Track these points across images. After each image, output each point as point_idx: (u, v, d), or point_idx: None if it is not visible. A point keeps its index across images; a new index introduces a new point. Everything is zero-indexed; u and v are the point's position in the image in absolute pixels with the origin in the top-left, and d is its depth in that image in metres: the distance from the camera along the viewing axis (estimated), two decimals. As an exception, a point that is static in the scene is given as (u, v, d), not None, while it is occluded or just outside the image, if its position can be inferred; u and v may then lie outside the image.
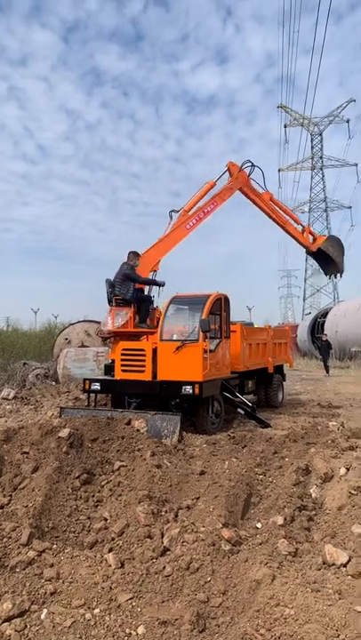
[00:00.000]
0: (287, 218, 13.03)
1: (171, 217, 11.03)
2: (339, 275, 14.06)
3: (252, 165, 11.78)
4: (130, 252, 10.02)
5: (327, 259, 13.65)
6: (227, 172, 11.63)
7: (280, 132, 63.07)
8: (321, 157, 61.90)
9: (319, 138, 61.62)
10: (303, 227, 13.65)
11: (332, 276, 14.48)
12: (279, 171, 63.81)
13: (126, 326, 9.62)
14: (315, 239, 13.65)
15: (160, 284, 10.23)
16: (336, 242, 13.94)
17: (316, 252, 13.49)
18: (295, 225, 13.29)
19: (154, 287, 10.29)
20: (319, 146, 61.72)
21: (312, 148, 62.02)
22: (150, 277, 10.24)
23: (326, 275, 14.57)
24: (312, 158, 62.02)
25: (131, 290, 9.66)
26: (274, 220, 12.57)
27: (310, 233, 13.78)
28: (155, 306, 10.24)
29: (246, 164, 11.73)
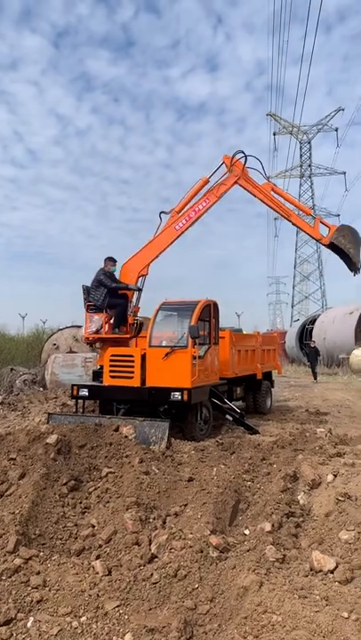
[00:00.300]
0: (292, 209, 11.87)
1: (161, 219, 10.59)
2: (357, 270, 11.59)
3: (245, 155, 10.77)
4: (105, 258, 10.06)
5: (343, 252, 11.50)
6: (223, 167, 10.95)
7: (269, 139, 63.38)
8: (310, 165, 62.49)
9: (308, 146, 62.25)
10: (314, 217, 12.15)
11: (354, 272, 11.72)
12: (268, 178, 64.19)
13: (100, 332, 9.71)
14: (329, 230, 11.67)
15: (134, 289, 10.08)
16: (349, 231, 11.52)
17: (329, 245, 11.56)
18: (303, 216, 12.23)
19: (140, 293, 10.28)
20: (308, 154, 62.34)
21: (301, 156, 62.62)
22: (138, 283, 10.18)
23: (351, 271, 11.75)
24: (301, 166, 62.57)
25: (102, 296, 9.70)
26: (277, 211, 11.72)
27: (323, 223, 11.88)
28: (129, 312, 10.04)
29: (239, 154, 10.76)
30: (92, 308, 9.79)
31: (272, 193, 11.55)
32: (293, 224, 11.90)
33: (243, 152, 10.82)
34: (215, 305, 9.81)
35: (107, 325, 9.78)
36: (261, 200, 11.51)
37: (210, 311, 9.58)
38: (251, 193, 11.43)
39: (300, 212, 12.43)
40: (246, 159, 10.88)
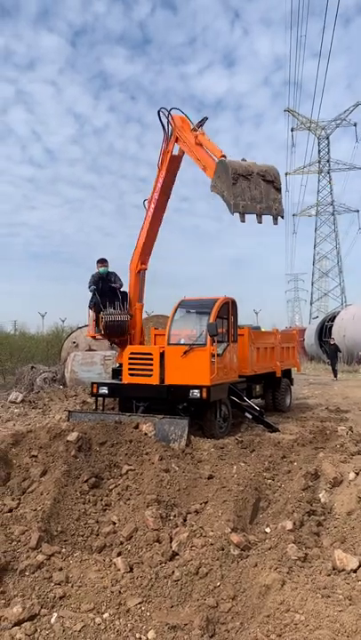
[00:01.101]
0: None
1: (145, 206, 10.27)
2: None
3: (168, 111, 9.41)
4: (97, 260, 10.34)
5: None
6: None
7: (287, 135, 62.70)
8: (328, 161, 61.84)
9: (326, 141, 61.59)
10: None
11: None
12: (286, 174, 63.78)
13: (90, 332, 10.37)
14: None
15: (92, 291, 10.15)
16: (223, 170, 8.20)
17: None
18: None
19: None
20: (326, 149, 61.70)
21: (319, 151, 62.00)
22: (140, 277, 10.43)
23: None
24: (319, 162, 61.96)
25: (91, 297, 10.13)
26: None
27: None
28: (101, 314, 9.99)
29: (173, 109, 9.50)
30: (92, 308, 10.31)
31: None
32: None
33: (178, 109, 9.55)
34: (234, 302, 9.77)
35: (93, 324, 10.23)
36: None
37: (228, 309, 9.54)
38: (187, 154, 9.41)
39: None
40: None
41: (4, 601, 3.63)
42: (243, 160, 8.37)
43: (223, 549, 4.17)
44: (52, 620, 3.06)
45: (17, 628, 2.97)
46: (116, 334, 10.08)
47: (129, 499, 5.48)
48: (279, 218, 8.36)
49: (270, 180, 8.21)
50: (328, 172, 62.00)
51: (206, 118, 9.06)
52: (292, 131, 62.16)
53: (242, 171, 8.01)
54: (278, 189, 8.21)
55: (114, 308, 9.85)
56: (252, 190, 7.67)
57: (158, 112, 9.59)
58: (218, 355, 8.78)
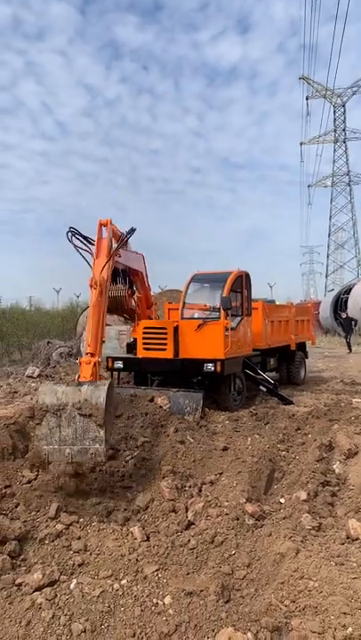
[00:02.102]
0: None
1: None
2: None
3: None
4: None
5: None
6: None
7: (302, 104, 61.34)
8: (344, 130, 60.39)
9: (342, 109, 60.01)
10: None
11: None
12: (301, 144, 62.57)
13: None
14: None
15: None
16: None
17: None
18: None
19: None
20: (342, 118, 60.17)
21: (335, 120, 60.51)
22: None
23: None
24: (335, 131, 60.54)
25: None
26: None
27: None
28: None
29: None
30: None
31: None
32: None
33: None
34: (247, 276, 9.70)
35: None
36: None
37: (242, 282, 9.48)
38: None
39: None
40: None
41: (24, 568, 3.74)
42: None
43: (238, 519, 4.24)
44: (72, 586, 3.15)
45: (37, 593, 3.06)
46: (114, 309, 9.93)
47: (145, 470, 5.57)
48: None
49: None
50: (344, 142, 60.62)
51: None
52: (307, 99, 60.71)
53: None
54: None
55: (115, 284, 9.64)
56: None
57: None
58: (232, 328, 8.76)
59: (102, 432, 4.64)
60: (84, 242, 6.49)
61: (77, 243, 6.44)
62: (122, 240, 6.77)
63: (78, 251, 6.40)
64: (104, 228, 6.54)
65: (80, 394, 4.76)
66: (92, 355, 5.60)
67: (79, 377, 5.35)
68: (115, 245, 6.61)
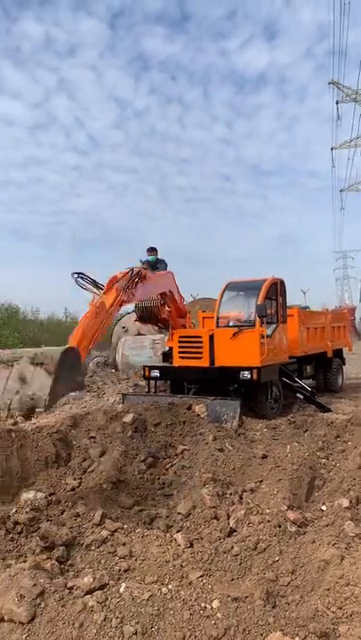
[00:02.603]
0: None
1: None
2: None
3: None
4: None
5: None
6: None
7: (332, 108, 60.70)
8: (376, 133, 59.37)
9: (374, 112, 59.11)
10: None
11: None
12: (332, 149, 61.91)
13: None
14: None
15: None
16: None
17: None
18: None
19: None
20: (374, 120, 59.22)
21: (366, 123, 59.60)
22: None
23: None
24: (366, 134, 59.59)
25: None
26: None
27: None
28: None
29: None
30: None
31: None
32: None
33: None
34: (282, 282, 9.70)
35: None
36: None
37: (277, 289, 9.48)
38: None
39: None
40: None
41: (72, 573, 3.85)
42: None
43: (280, 526, 4.26)
44: (121, 590, 3.24)
45: (89, 596, 3.16)
46: (147, 319, 10.04)
47: (185, 477, 5.65)
48: None
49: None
50: (376, 145, 59.60)
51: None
52: (336, 103, 59.86)
53: None
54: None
55: None
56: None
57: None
58: (267, 336, 8.78)
59: (50, 380, 4.49)
60: (91, 285, 6.61)
61: (83, 283, 6.59)
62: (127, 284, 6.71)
63: (84, 287, 6.57)
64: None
65: (36, 350, 4.78)
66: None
67: None
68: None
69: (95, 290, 6.55)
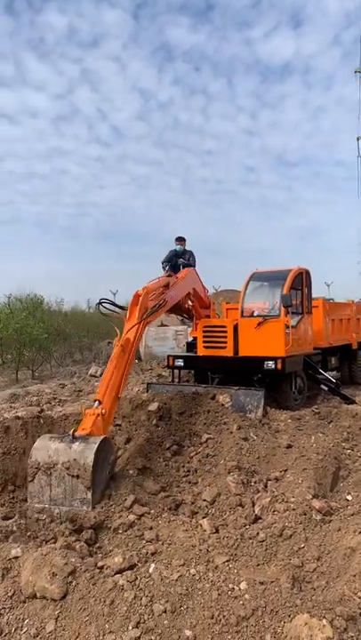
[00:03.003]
0: None
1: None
2: None
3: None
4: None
5: None
6: None
7: (359, 97, 59.56)
8: None
9: None
10: None
11: None
12: (358, 139, 60.77)
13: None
14: None
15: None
16: None
17: None
18: None
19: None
20: None
21: (393, 111, 58.44)
22: None
23: None
24: (393, 123, 58.43)
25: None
26: None
27: None
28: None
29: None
30: None
31: None
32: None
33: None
34: (308, 273, 9.65)
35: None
36: None
37: (302, 280, 9.44)
38: None
39: None
40: None
41: (100, 555, 3.94)
42: None
43: (305, 514, 4.28)
44: (150, 570, 3.31)
45: (119, 575, 3.24)
46: (171, 309, 10.04)
47: (210, 465, 5.70)
48: None
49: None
50: None
51: None
52: (363, 91, 58.93)
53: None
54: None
55: None
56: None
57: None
58: (292, 326, 8.76)
59: (89, 494, 4.54)
60: (115, 309, 6.81)
61: (106, 311, 6.76)
62: (151, 312, 6.63)
63: (108, 314, 6.77)
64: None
65: (70, 452, 4.65)
66: (100, 403, 5.34)
67: (77, 429, 5.12)
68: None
69: (120, 312, 6.72)
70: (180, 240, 10.24)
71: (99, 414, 5.15)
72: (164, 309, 7.35)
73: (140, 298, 6.46)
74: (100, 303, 6.64)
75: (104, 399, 5.37)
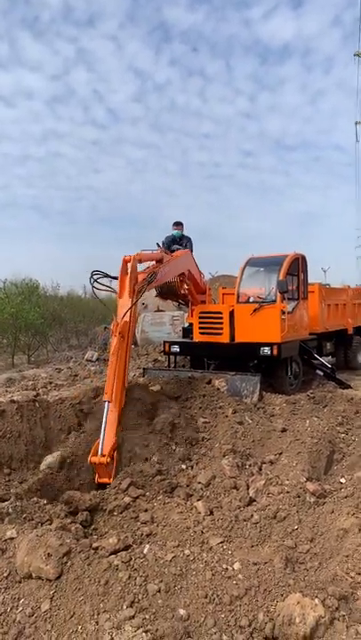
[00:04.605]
0: None
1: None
2: None
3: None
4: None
5: None
6: None
7: (358, 81, 59.03)
8: None
9: None
10: None
11: None
12: (356, 124, 60.42)
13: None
14: None
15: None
16: None
17: None
18: None
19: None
20: None
21: (392, 96, 57.92)
22: None
23: None
24: (392, 108, 57.96)
25: None
26: None
27: None
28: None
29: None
30: None
31: None
32: None
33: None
34: (304, 258, 9.62)
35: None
36: None
37: (298, 265, 9.41)
38: None
39: None
40: None
41: (95, 537, 3.98)
42: None
43: (299, 497, 4.32)
44: (145, 551, 3.34)
45: (113, 556, 3.27)
46: (167, 294, 9.95)
47: (205, 449, 5.73)
48: None
49: None
50: None
51: None
52: (362, 76, 58.34)
53: None
54: None
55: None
56: None
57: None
58: (288, 312, 8.75)
59: None
60: (108, 284, 6.61)
61: (100, 286, 6.58)
62: (143, 289, 6.47)
63: (98, 297, 6.70)
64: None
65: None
66: (109, 403, 5.28)
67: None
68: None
69: (112, 289, 6.59)
70: (178, 225, 10.14)
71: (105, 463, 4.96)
72: (154, 284, 7.21)
73: (130, 264, 6.29)
74: (92, 276, 6.51)
75: (112, 397, 5.31)
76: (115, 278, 6.56)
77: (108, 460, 4.96)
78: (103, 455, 4.95)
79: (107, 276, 6.67)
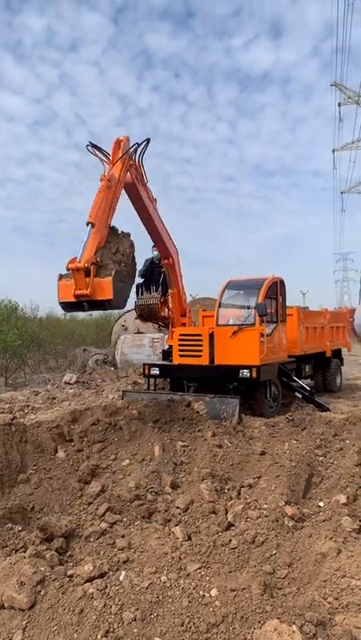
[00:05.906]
0: None
1: None
2: None
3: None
4: None
5: None
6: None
7: (335, 110, 60.67)
8: (378, 136, 59.41)
9: (376, 115, 59.07)
10: None
11: None
12: (334, 151, 62.03)
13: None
14: None
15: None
16: None
17: None
18: None
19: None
20: (376, 123, 59.30)
21: (368, 126, 59.70)
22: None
23: None
24: (368, 137, 59.62)
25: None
26: None
27: None
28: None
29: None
30: None
31: None
32: None
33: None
34: (282, 282, 9.74)
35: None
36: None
37: (277, 288, 9.53)
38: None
39: None
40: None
41: (71, 563, 3.89)
42: None
43: (278, 521, 4.29)
44: (121, 578, 3.28)
45: (88, 584, 3.20)
46: (147, 317, 9.92)
47: (183, 473, 5.68)
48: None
49: None
50: (378, 148, 59.67)
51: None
52: (339, 105, 59.96)
53: None
54: None
55: (149, 292, 9.54)
56: None
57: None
58: (267, 335, 8.82)
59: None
60: (102, 154, 7.10)
61: (93, 150, 7.11)
62: (135, 148, 7.22)
63: (94, 154, 7.04)
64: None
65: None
66: (93, 225, 6.09)
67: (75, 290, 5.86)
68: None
69: (104, 158, 7.04)
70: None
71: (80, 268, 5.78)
72: (142, 182, 7.75)
73: (122, 144, 7.07)
74: (89, 145, 7.01)
75: (95, 219, 6.05)
76: (107, 155, 7.10)
77: (85, 266, 5.71)
78: (80, 262, 5.74)
79: (100, 149, 7.11)
